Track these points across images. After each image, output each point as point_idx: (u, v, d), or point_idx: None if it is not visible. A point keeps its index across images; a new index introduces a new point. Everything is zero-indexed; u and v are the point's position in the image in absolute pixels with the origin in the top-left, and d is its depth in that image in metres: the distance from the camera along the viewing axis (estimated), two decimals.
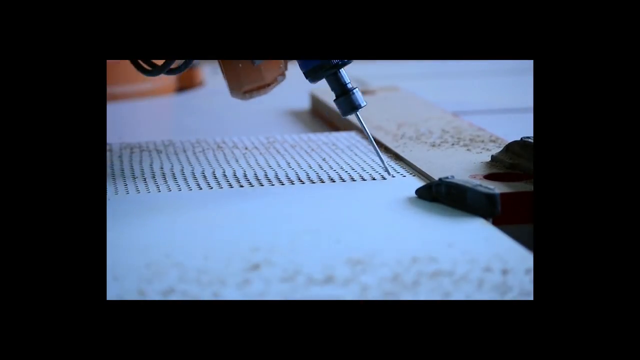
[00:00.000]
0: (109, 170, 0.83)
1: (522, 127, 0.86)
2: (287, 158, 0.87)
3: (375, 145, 0.81)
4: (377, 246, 0.61)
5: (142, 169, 0.84)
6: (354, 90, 0.78)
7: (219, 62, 0.83)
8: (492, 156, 0.80)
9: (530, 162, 0.74)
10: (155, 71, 0.78)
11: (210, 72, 1.62)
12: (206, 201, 0.73)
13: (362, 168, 0.82)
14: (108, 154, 0.90)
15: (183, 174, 0.82)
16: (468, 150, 0.85)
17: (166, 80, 1.46)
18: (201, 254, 0.60)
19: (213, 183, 0.78)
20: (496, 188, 0.68)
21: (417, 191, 0.72)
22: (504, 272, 0.56)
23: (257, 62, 0.81)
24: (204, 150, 0.91)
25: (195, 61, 0.87)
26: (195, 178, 0.80)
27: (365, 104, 0.78)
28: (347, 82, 0.78)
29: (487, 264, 0.57)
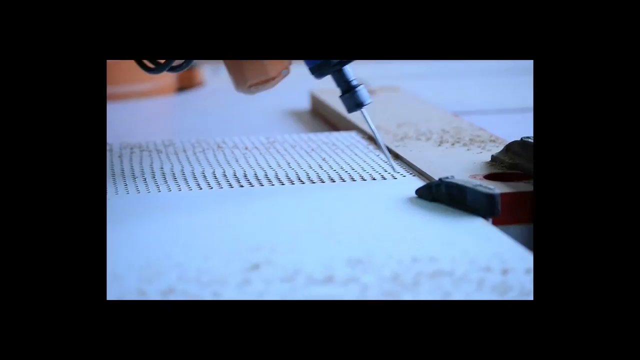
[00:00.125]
0: (109, 170, 0.83)
1: (522, 127, 0.86)
2: (287, 158, 0.87)
3: (381, 142, 0.80)
4: (377, 246, 0.61)
5: (142, 169, 0.84)
6: (359, 87, 0.78)
7: None
8: (492, 156, 0.80)
9: (530, 162, 0.74)
10: (157, 69, 0.78)
11: (210, 72, 1.62)
12: (206, 201, 0.73)
13: (362, 168, 0.82)
14: (108, 154, 0.90)
15: (183, 174, 0.82)
16: (468, 150, 0.85)
17: (166, 80, 1.46)
18: (201, 254, 0.60)
19: (213, 183, 0.78)
20: (496, 188, 0.68)
21: (417, 191, 0.72)
22: (504, 272, 0.56)
23: None
24: (204, 150, 0.91)
25: (195, 61, 0.87)
26: (195, 178, 0.80)
27: (370, 101, 0.78)
28: (352, 78, 0.78)
29: (487, 264, 0.57)
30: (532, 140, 0.77)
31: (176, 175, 0.81)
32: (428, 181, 0.75)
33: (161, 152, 0.91)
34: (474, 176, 0.75)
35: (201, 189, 0.77)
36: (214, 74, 1.61)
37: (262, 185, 0.77)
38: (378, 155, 0.86)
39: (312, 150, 0.90)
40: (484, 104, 1.26)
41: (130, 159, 0.88)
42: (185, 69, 0.79)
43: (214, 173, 0.82)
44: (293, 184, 0.78)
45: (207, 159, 0.87)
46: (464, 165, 0.79)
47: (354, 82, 0.78)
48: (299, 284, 0.55)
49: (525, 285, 0.54)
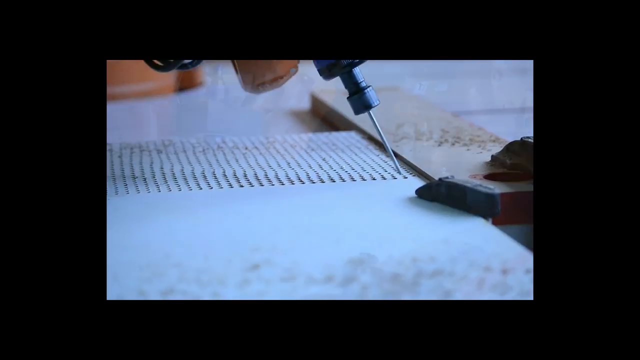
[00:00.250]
0: (109, 171, 0.83)
1: (522, 127, 0.86)
2: (287, 158, 0.87)
3: (388, 144, 0.80)
4: (377, 246, 0.61)
5: (142, 169, 0.84)
6: (368, 89, 0.78)
7: None
8: (492, 156, 0.80)
9: (530, 162, 0.74)
10: (166, 67, 0.78)
11: (210, 72, 1.62)
12: (206, 201, 0.73)
13: (362, 168, 0.82)
14: (108, 154, 0.90)
15: (183, 174, 0.82)
16: (468, 150, 0.85)
17: (166, 80, 1.46)
18: (201, 254, 0.60)
19: (213, 183, 0.78)
20: (496, 188, 0.68)
21: (417, 191, 0.72)
22: (504, 272, 0.56)
23: None
24: (204, 150, 0.91)
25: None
26: (195, 178, 0.80)
27: (378, 103, 0.78)
28: (360, 80, 0.78)
29: (487, 264, 0.57)
30: (532, 140, 0.77)
31: (176, 175, 0.81)
32: (428, 181, 0.75)
33: (161, 152, 0.91)
34: (474, 176, 0.75)
35: (201, 189, 0.77)
36: (214, 74, 1.60)
37: (262, 185, 0.77)
38: (378, 155, 0.86)
39: (312, 150, 0.90)
40: (484, 104, 1.26)
41: (130, 159, 0.88)
42: (195, 67, 0.79)
43: (214, 173, 0.82)
44: (293, 184, 0.78)
45: (207, 159, 0.87)
46: (464, 165, 0.79)
47: (363, 84, 0.78)
48: (299, 284, 0.55)
49: (525, 285, 0.54)
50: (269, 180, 0.79)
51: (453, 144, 0.88)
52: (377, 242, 0.62)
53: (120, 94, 1.39)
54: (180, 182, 0.79)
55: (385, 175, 0.79)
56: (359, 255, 0.59)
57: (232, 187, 0.77)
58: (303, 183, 0.78)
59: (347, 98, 0.78)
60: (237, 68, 0.83)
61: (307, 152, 0.89)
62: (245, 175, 0.81)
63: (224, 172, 0.82)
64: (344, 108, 1.04)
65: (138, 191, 0.76)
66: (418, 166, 0.80)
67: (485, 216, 0.66)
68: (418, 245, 0.61)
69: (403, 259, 0.58)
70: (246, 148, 0.92)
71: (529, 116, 0.89)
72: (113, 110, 1.28)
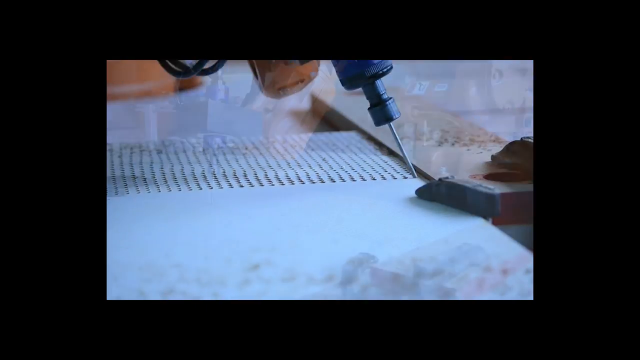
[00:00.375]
0: (109, 171, 0.83)
1: (522, 127, 0.86)
2: (287, 158, 0.87)
3: (406, 154, 0.79)
4: (377, 246, 0.61)
5: (142, 169, 0.84)
6: (390, 101, 0.77)
7: (250, 61, 0.83)
8: (492, 156, 0.80)
9: (530, 162, 0.74)
10: (186, 73, 0.77)
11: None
12: (206, 201, 0.73)
13: (362, 168, 0.82)
14: (108, 154, 0.90)
15: (183, 174, 0.82)
16: (468, 150, 0.85)
17: (166, 80, 1.45)
18: (201, 254, 0.60)
19: (213, 183, 0.78)
20: (496, 188, 0.68)
21: (417, 191, 0.72)
22: (504, 272, 0.56)
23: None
24: (204, 150, 0.91)
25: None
26: (195, 178, 0.80)
27: (399, 115, 0.78)
28: (383, 92, 0.77)
29: (487, 264, 0.57)
30: (532, 140, 0.77)
31: (176, 176, 0.81)
32: (428, 181, 0.75)
33: (161, 152, 0.91)
34: (474, 176, 0.75)
35: (201, 189, 0.77)
36: (213, 74, 1.60)
37: (262, 185, 0.77)
38: (378, 155, 0.86)
39: (312, 150, 0.90)
40: (484, 104, 1.26)
41: (130, 159, 0.88)
42: (216, 71, 0.78)
43: (214, 173, 0.82)
44: (293, 184, 0.78)
45: (207, 159, 0.87)
46: (464, 165, 0.79)
47: (384, 96, 0.77)
48: (299, 284, 0.55)
49: (525, 285, 0.54)
50: (269, 180, 0.79)
51: (453, 144, 0.88)
52: (377, 242, 0.62)
53: (120, 94, 1.39)
54: (180, 182, 0.79)
55: (385, 175, 0.79)
56: (359, 255, 0.59)
57: (232, 187, 0.77)
58: (303, 183, 0.78)
59: (368, 109, 0.78)
60: (258, 72, 0.82)
61: (307, 152, 0.89)
62: (245, 175, 0.81)
63: (224, 172, 0.82)
64: (344, 108, 1.04)
65: (138, 191, 0.76)
66: (418, 166, 0.80)
67: (485, 216, 0.66)
68: (418, 245, 0.61)
69: (403, 259, 0.58)
70: (246, 148, 0.92)
71: (529, 116, 0.89)
72: (113, 110, 1.28)
